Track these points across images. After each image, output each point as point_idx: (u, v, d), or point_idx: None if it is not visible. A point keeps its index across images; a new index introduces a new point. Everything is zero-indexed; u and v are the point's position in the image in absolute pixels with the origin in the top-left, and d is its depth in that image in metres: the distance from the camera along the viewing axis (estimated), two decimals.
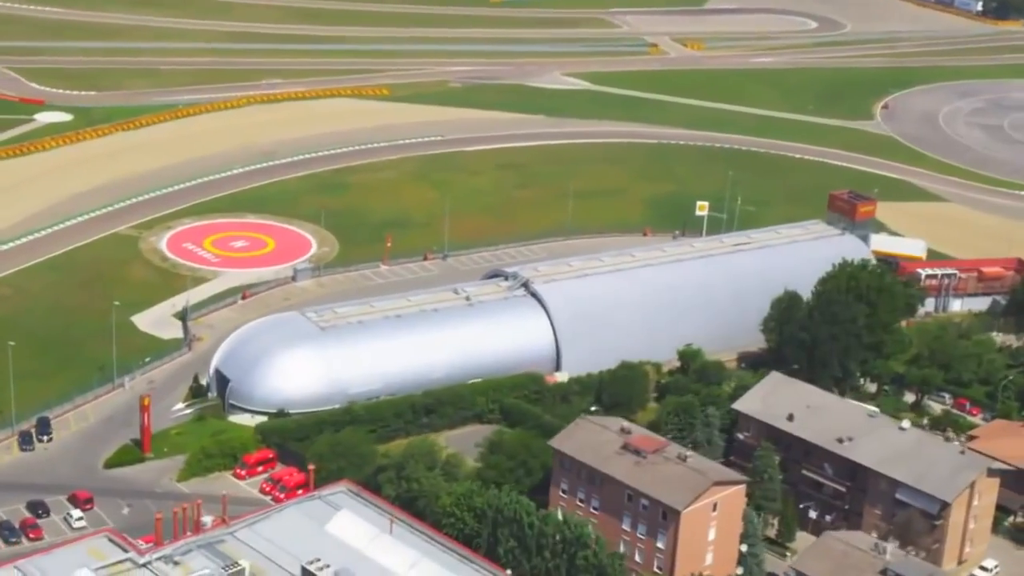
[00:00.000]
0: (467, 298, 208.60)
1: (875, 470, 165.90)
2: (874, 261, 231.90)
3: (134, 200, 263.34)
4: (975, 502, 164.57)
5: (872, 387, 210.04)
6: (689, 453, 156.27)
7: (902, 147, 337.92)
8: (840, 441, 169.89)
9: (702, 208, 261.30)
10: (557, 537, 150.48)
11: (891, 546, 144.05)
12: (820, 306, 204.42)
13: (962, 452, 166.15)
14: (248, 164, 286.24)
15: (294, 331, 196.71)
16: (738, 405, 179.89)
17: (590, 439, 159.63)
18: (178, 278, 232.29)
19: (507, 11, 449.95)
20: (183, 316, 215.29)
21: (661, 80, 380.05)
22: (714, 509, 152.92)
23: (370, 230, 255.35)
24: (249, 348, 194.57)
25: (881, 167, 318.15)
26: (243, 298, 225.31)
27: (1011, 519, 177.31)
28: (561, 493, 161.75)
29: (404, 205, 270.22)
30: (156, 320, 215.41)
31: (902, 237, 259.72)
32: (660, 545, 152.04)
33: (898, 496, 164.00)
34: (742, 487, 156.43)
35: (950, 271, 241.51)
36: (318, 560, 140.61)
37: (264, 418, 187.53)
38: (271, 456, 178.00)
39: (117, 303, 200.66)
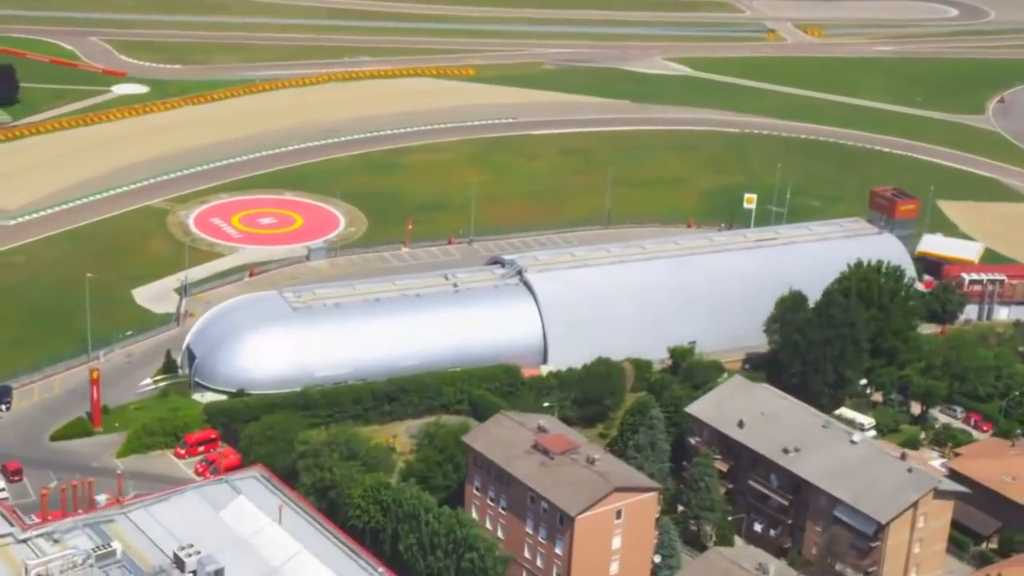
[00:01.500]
0: (454, 285, 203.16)
1: (815, 485, 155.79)
2: (908, 263, 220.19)
3: (178, 173, 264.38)
4: (920, 524, 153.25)
5: (882, 397, 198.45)
6: (599, 456, 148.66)
7: (1008, 145, 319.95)
8: (786, 452, 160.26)
9: (749, 201, 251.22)
10: (449, 537, 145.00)
11: (774, 566, 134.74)
12: (818, 308, 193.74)
13: (909, 470, 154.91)
14: (307, 141, 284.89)
15: (265, 311, 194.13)
16: (691, 408, 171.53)
17: (504, 437, 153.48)
18: (195, 253, 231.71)
19: None
20: (182, 291, 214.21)
21: (767, 67, 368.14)
22: (618, 516, 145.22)
23: (405, 211, 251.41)
24: (218, 326, 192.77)
25: (977, 165, 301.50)
26: (250, 275, 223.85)
27: (985, 544, 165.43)
28: (475, 491, 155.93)
29: (449, 188, 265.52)
30: (155, 294, 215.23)
31: (957, 239, 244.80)
32: (558, 551, 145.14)
33: (836, 513, 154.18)
34: (652, 495, 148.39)
35: (997, 276, 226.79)
36: (191, 546, 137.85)
37: (224, 397, 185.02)
38: (214, 437, 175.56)
39: (90, 275, 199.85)
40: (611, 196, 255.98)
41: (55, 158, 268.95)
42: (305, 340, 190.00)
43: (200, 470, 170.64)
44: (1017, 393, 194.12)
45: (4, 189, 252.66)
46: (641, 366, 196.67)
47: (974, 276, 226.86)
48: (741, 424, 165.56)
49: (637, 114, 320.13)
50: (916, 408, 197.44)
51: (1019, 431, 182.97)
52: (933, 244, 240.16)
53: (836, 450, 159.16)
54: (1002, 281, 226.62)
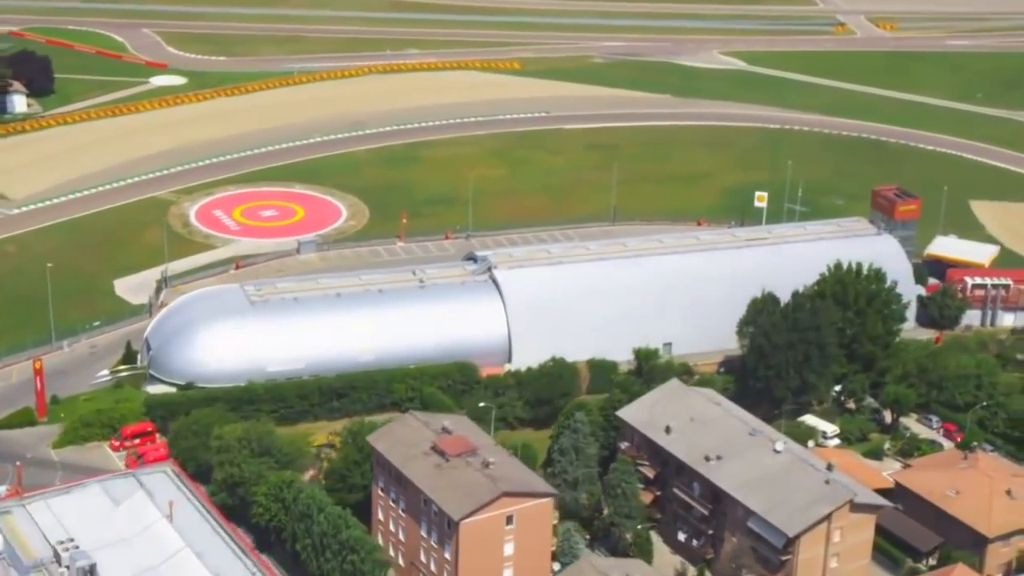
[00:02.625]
0: (421, 281, 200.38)
1: (731, 495, 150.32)
2: (905, 265, 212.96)
3: (192, 165, 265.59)
4: (835, 539, 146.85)
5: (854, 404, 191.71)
6: (494, 460, 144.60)
7: None
8: (708, 459, 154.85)
9: (761, 199, 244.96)
10: (336, 538, 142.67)
11: None
12: (784, 311, 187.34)
13: (826, 482, 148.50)
14: (332, 133, 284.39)
15: (221, 305, 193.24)
16: (621, 412, 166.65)
17: (406, 437, 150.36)
18: (190, 244, 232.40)
19: None
20: (162, 283, 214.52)
21: (827, 62, 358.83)
22: (509, 522, 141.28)
23: (411, 205, 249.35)
24: (175, 319, 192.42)
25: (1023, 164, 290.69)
26: (236, 268, 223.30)
27: (924, 561, 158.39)
28: (379, 492, 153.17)
29: (462, 182, 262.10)
30: (135, 285, 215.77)
31: (972, 241, 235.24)
32: (447, 556, 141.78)
33: (749, 524, 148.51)
34: (547, 501, 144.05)
35: (1003, 281, 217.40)
36: (70, 541, 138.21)
37: (173, 389, 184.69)
38: (150, 429, 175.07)
39: (50, 264, 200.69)
40: (617, 192, 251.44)
41: (73, 149, 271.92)
42: (259, 334, 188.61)
43: (130, 463, 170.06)
44: (985, 404, 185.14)
45: (16, 178, 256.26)
46: (607, 367, 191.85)
47: (977, 280, 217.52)
48: (668, 430, 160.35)
49: (676, 109, 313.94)
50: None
51: (975, 444, 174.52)
52: (944, 246, 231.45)
53: (757, 459, 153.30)
54: (1007, 286, 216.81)
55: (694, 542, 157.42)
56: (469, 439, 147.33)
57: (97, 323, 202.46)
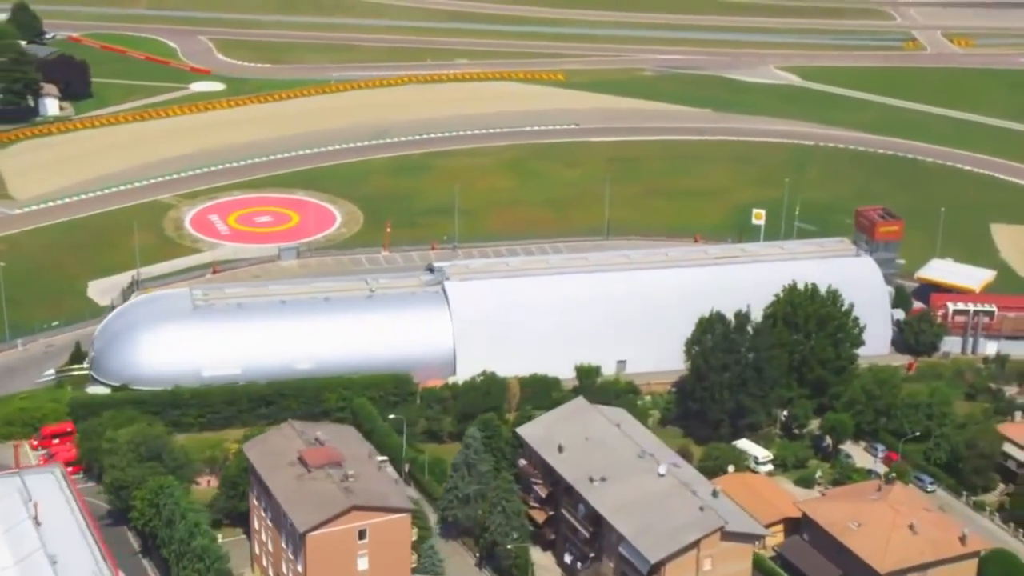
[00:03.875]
0: (371, 290, 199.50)
1: (606, 518, 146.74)
2: (881, 287, 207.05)
3: (204, 170, 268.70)
4: (706, 567, 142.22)
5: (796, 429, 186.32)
6: (357, 473, 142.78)
7: None
8: (592, 481, 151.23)
9: (758, 217, 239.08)
10: (190, 545, 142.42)
11: None
12: (723, 331, 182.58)
13: (701, 508, 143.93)
14: (355, 141, 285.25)
15: (164, 309, 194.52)
16: (521, 429, 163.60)
17: (278, 446, 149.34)
18: (177, 248, 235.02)
19: None
20: (133, 286, 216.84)
21: (885, 78, 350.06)
22: (362, 536, 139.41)
23: (409, 215, 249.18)
24: (119, 321, 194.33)
25: None
26: (213, 272, 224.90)
27: None
28: (254, 501, 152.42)
29: (468, 192, 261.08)
30: (109, 287, 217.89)
31: (968, 265, 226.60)
32: (300, 568, 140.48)
33: (620, 549, 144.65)
34: (404, 516, 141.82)
35: (987, 308, 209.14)
36: None
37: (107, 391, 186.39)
38: (70, 430, 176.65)
39: (2, 264, 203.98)
40: (625, 207, 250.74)
41: (92, 152, 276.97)
42: (197, 339, 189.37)
43: (43, 462, 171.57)
44: (918, 433, 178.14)
45: (27, 180, 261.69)
46: (549, 384, 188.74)
47: (960, 306, 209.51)
48: (560, 449, 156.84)
49: (711, 123, 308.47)
50: (845, 444, 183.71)
51: (892, 475, 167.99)
52: (937, 269, 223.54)
53: (640, 482, 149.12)
54: (991, 313, 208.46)
55: (578, 564, 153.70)
56: (336, 451, 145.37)
57: (56, 323, 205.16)
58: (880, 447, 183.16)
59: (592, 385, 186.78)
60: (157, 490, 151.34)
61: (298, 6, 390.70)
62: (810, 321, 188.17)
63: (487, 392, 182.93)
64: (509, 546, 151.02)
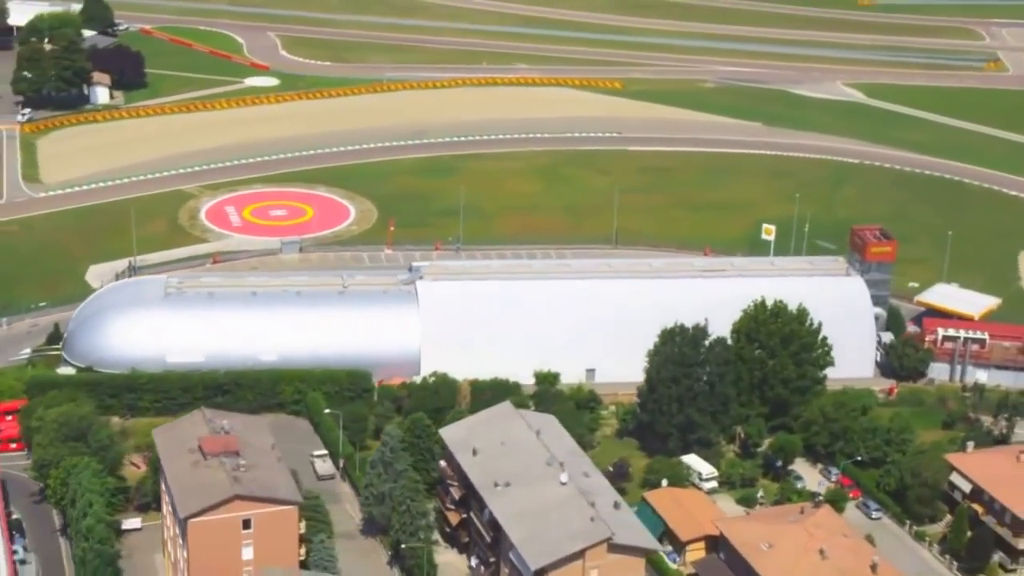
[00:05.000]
0: (344, 286, 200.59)
1: (500, 523, 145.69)
2: (867, 309, 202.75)
3: (234, 162, 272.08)
4: None
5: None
6: (245, 463, 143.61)
7: None
8: (496, 486, 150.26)
9: (768, 232, 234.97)
10: (83, 525, 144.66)
11: None
12: (676, 344, 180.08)
13: (592, 519, 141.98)
14: (392, 140, 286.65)
15: (136, 294, 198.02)
16: (444, 431, 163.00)
17: (184, 433, 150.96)
18: (187, 237, 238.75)
19: (862, 15, 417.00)
20: (128, 272, 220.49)
21: (954, 98, 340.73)
22: (247, 526, 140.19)
23: (424, 215, 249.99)
24: (92, 305, 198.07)
25: None
26: (213, 262, 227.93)
27: None
28: (163, 486, 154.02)
29: (492, 196, 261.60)
30: (105, 272, 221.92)
31: (973, 292, 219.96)
32: (184, 554, 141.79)
33: (510, 555, 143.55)
34: (291, 509, 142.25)
35: (978, 335, 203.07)
36: None
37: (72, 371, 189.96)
38: (19, 408, 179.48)
39: None
40: (632, 216, 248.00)
41: (130, 140, 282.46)
42: (163, 325, 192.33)
43: None
44: (861, 457, 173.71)
45: (60, 165, 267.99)
46: (509, 388, 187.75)
47: (950, 332, 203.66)
48: (475, 452, 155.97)
49: (757, 137, 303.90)
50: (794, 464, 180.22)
51: (820, 497, 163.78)
52: (938, 294, 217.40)
53: (541, 489, 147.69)
54: (982, 340, 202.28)
55: (482, 568, 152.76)
56: (233, 440, 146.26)
57: (43, 304, 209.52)
58: (834, 471, 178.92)
59: (548, 392, 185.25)
60: (70, 469, 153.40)
61: (371, 6, 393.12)
62: (773, 338, 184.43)
63: (436, 392, 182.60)
64: (403, 545, 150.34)
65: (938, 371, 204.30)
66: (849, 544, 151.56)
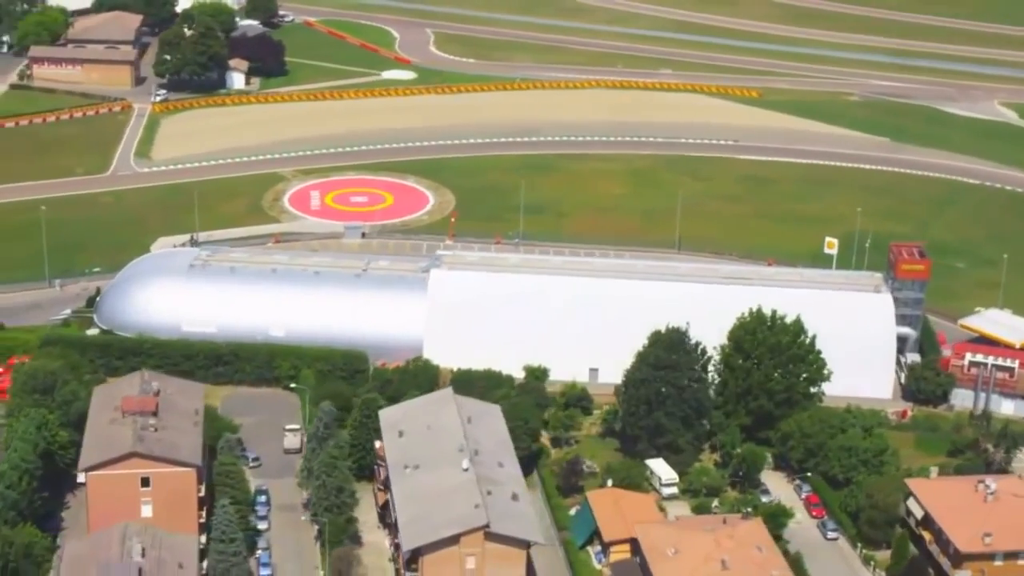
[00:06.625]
0: (363, 269, 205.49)
1: (395, 503, 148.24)
2: (889, 327, 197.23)
3: (336, 150, 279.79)
4: (469, 566, 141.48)
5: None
6: (154, 423, 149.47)
7: None
8: (405, 468, 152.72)
9: (831, 246, 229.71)
10: None
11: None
12: (652, 347, 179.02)
13: (476, 506, 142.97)
14: (501, 136, 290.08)
15: (164, 265, 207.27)
16: (383, 412, 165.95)
17: (118, 392, 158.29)
18: (264, 218, 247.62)
19: None
20: (190, 245, 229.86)
21: None
22: (145, 484, 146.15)
23: (501, 210, 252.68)
24: (126, 273, 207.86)
25: None
26: (275, 242, 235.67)
27: None
28: None
29: (577, 195, 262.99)
30: (167, 245, 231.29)
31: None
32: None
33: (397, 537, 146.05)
34: (189, 471, 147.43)
35: (1008, 363, 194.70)
36: None
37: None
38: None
39: (43, 207, 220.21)
40: (697, 223, 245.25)
41: (246, 124, 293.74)
42: (182, 295, 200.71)
43: None
44: (810, 474, 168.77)
45: (172, 144, 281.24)
46: (500, 380, 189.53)
47: (978, 357, 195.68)
48: (401, 434, 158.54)
49: (879, 152, 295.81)
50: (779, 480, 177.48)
51: (748, 509, 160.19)
52: (985, 319, 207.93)
53: (442, 474, 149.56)
54: (1011, 369, 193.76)
55: (393, 549, 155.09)
56: (151, 401, 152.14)
57: (97, 269, 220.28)
58: (805, 486, 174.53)
59: (529, 385, 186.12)
60: (28, 424, 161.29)
61: (534, 8, 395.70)
62: (759, 348, 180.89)
63: (414, 377, 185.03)
64: (315, 516, 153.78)
65: (961, 398, 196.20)
66: (757, 557, 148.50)
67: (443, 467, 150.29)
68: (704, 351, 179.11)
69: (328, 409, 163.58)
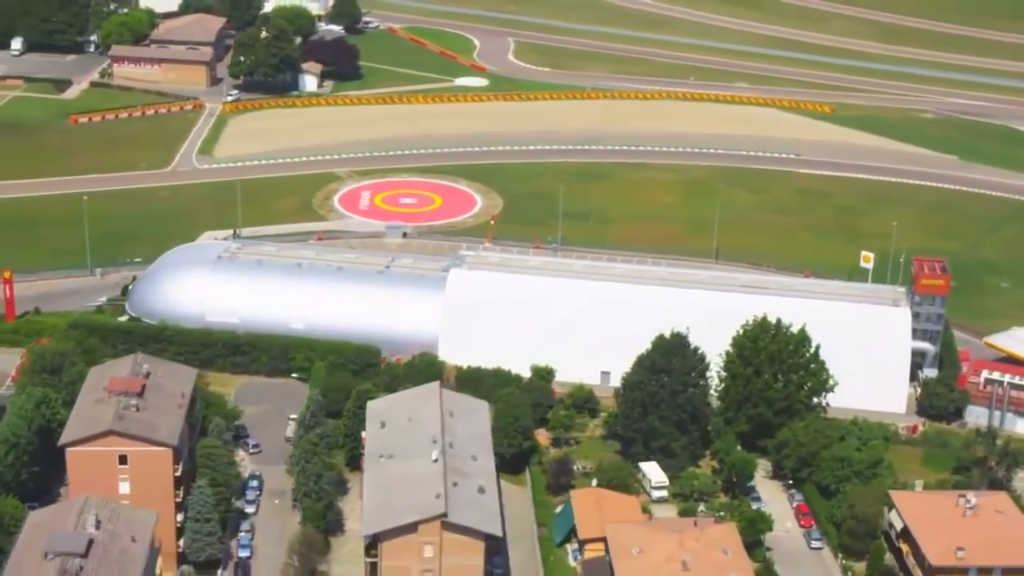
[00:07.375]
0: (386, 266, 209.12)
1: (364, 490, 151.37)
2: (905, 342, 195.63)
3: (396, 152, 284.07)
4: (427, 554, 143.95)
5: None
6: (135, 403, 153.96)
7: None
8: (380, 457, 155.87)
9: (866, 260, 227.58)
10: None
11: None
12: (650, 352, 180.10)
13: (437, 496, 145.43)
14: (561, 144, 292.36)
15: (195, 256, 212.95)
16: (370, 403, 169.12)
17: (112, 372, 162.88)
18: (312, 216, 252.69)
19: None
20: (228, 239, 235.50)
21: None
22: (123, 462, 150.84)
23: (546, 215, 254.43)
24: (158, 263, 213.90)
25: None
26: (317, 239, 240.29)
27: None
28: None
29: (626, 203, 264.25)
30: (210, 237, 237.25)
31: None
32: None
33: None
34: (165, 450, 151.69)
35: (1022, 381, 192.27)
36: None
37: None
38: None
39: (85, 197, 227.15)
40: (743, 234, 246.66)
41: (312, 126, 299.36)
42: (209, 286, 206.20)
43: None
44: (791, 481, 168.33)
45: (236, 142, 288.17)
46: (509, 379, 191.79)
47: (995, 375, 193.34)
48: (383, 425, 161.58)
49: (945, 170, 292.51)
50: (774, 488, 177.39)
51: (721, 513, 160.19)
52: (1010, 338, 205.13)
53: (412, 464, 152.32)
54: None
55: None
56: (136, 382, 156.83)
57: (138, 259, 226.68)
58: (797, 496, 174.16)
59: (536, 385, 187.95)
60: (29, 400, 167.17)
61: (618, 19, 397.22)
62: (760, 356, 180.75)
63: (420, 372, 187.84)
64: (276, 501, 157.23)
65: (976, 415, 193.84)
66: (720, 560, 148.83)
67: (414, 457, 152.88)
68: (703, 357, 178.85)
69: (318, 399, 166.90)
